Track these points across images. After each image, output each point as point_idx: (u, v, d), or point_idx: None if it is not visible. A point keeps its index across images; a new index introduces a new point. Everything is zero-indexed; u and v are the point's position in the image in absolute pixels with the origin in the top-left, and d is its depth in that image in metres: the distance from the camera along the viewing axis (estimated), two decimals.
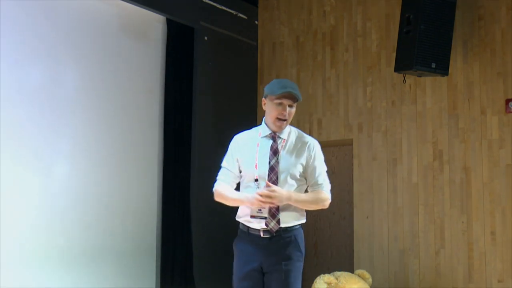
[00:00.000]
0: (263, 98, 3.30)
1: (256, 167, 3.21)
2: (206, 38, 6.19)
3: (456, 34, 5.42)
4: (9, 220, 4.65)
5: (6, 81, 4.73)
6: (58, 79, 5.15)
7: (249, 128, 3.45)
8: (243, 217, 3.24)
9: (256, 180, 3.20)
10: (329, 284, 5.12)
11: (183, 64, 6.12)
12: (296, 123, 6.91)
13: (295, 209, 3.22)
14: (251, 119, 6.21)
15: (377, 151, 5.96)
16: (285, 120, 3.23)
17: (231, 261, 3.27)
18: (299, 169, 3.27)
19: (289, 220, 3.21)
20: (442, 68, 5.22)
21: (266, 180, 3.17)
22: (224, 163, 3.32)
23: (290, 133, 3.34)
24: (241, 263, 3.21)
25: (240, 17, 6.66)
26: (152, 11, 5.81)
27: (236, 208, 3.29)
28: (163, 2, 5.84)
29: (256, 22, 6.91)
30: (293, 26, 6.67)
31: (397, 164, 5.82)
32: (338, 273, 5.29)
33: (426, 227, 5.59)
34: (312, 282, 5.19)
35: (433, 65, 5.17)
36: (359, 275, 5.36)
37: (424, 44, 5.11)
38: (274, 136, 3.27)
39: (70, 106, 5.21)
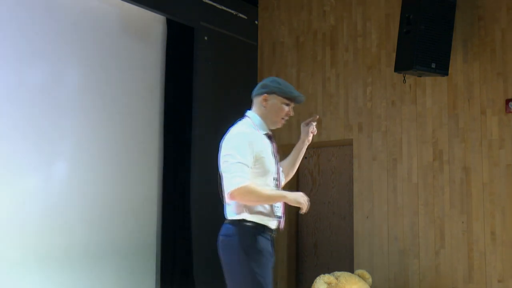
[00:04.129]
0: (265, 94, 3.16)
1: (274, 165, 3.18)
2: (206, 38, 6.20)
3: (456, 34, 5.43)
4: (9, 219, 4.65)
5: (6, 81, 4.73)
6: (58, 78, 5.14)
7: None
8: (267, 215, 3.09)
9: (275, 179, 3.15)
10: (329, 284, 5.12)
11: (183, 64, 6.11)
12: (296, 123, 6.94)
13: None
14: None
15: (377, 151, 5.95)
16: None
17: None
18: None
19: None
20: (442, 68, 5.22)
21: (279, 179, 3.17)
22: (242, 159, 3.00)
23: None
24: (269, 268, 3.07)
25: (240, 17, 6.66)
26: (152, 11, 5.81)
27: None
28: (163, 2, 5.84)
29: (256, 22, 6.91)
30: (293, 26, 6.67)
31: (397, 164, 5.82)
32: (338, 273, 5.29)
33: (426, 227, 5.59)
34: (312, 282, 5.19)
35: (433, 65, 5.16)
36: (359, 275, 5.36)
37: (424, 44, 5.11)
38: (271, 135, 3.23)
39: (70, 106, 5.21)
